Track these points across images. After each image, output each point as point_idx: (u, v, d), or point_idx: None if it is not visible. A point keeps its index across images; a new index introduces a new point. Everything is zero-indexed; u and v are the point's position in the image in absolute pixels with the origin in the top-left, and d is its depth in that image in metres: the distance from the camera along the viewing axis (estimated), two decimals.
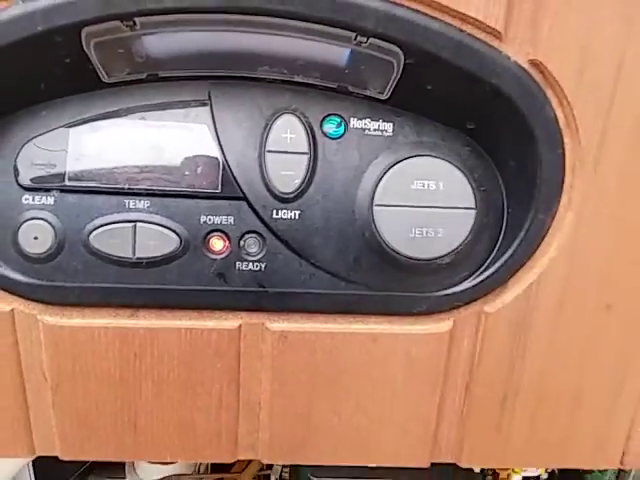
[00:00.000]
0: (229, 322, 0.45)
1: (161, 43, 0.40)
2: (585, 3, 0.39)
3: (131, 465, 0.90)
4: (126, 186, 0.42)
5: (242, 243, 0.44)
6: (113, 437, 0.48)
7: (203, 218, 0.43)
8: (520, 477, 0.83)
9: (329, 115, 0.43)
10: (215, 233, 0.43)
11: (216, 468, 0.94)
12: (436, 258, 0.43)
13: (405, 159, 0.42)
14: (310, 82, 0.43)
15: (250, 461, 0.91)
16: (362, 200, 0.43)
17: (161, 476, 0.87)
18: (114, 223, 0.42)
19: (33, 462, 0.78)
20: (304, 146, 0.43)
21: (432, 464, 0.52)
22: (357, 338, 0.46)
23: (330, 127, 0.43)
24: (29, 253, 0.42)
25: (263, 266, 0.44)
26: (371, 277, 0.45)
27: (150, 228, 0.42)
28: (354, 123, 0.44)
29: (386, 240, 0.43)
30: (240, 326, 0.45)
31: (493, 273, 0.45)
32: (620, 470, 0.85)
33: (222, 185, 0.43)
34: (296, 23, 0.38)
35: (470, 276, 0.46)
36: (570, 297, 0.46)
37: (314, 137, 0.43)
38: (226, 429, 0.48)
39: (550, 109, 0.41)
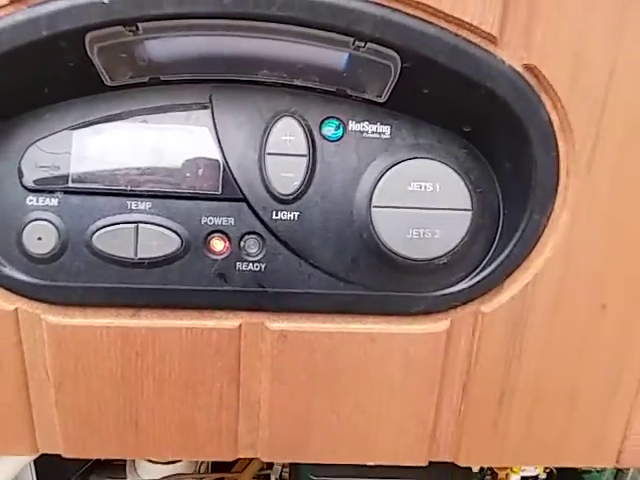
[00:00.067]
0: (229, 322, 0.45)
1: (163, 47, 0.40)
2: (578, 10, 0.39)
3: (132, 465, 0.90)
4: (128, 188, 0.42)
5: (242, 244, 0.44)
6: (115, 435, 0.48)
7: (204, 219, 0.43)
8: (518, 477, 0.83)
9: (328, 118, 0.44)
10: (216, 234, 0.44)
11: (216, 468, 0.94)
12: (433, 259, 0.44)
13: (402, 161, 0.43)
14: (309, 85, 0.43)
15: (250, 461, 0.91)
16: (360, 201, 0.43)
17: (162, 476, 0.86)
18: (116, 224, 0.42)
19: (35, 462, 0.78)
20: (303, 148, 0.43)
21: (430, 463, 0.52)
22: (355, 338, 0.47)
23: (329, 130, 0.44)
24: (33, 253, 0.42)
25: (263, 266, 0.44)
26: (369, 277, 0.46)
27: (152, 229, 0.43)
28: (352, 126, 0.44)
29: (384, 241, 0.43)
30: (240, 326, 0.45)
31: (489, 273, 0.46)
32: (618, 470, 0.86)
33: (223, 187, 0.43)
34: (296, 28, 0.38)
35: (467, 276, 0.46)
36: (565, 297, 0.46)
37: (313, 139, 0.43)
38: (226, 428, 0.49)
39: (544, 112, 0.41)
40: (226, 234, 0.44)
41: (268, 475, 0.92)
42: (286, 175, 0.43)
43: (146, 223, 0.43)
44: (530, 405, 0.50)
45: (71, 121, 0.42)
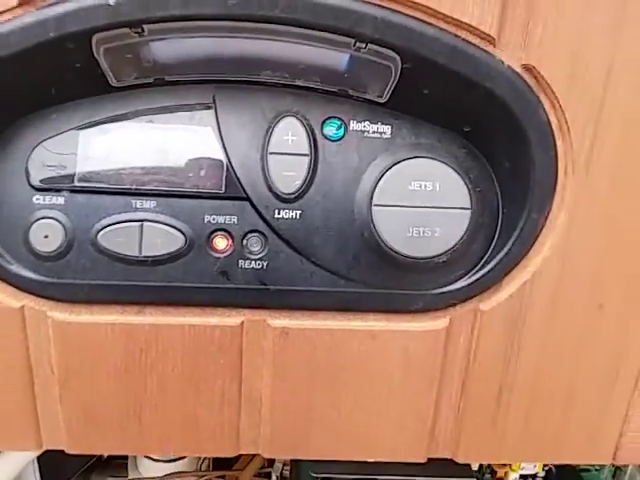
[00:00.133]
0: (232, 319, 0.46)
1: (168, 49, 0.40)
2: (576, 10, 0.39)
3: (133, 463, 0.90)
4: (133, 187, 0.43)
5: (245, 242, 0.44)
6: (118, 431, 0.48)
7: (207, 218, 0.43)
8: (517, 475, 0.84)
9: (329, 118, 0.44)
10: (219, 232, 0.44)
11: (218, 466, 0.94)
12: (433, 257, 0.44)
13: (403, 160, 0.43)
14: (311, 86, 0.43)
15: (251, 459, 0.92)
16: (361, 200, 0.44)
17: (163, 474, 0.86)
18: (122, 222, 0.43)
19: (38, 460, 0.78)
20: (305, 148, 0.43)
21: (429, 460, 0.52)
22: (356, 335, 0.47)
23: (330, 129, 0.44)
24: (39, 251, 0.43)
25: (265, 264, 0.45)
26: (370, 275, 0.46)
27: (156, 227, 0.43)
28: (353, 126, 0.44)
29: (384, 239, 0.43)
30: (242, 323, 0.46)
31: (488, 272, 0.46)
32: (616, 469, 0.86)
33: (226, 186, 0.43)
34: (298, 30, 0.39)
35: (466, 274, 0.47)
36: (563, 295, 0.46)
37: (315, 139, 0.44)
38: (228, 424, 0.49)
39: (543, 112, 0.42)
40: (229, 232, 0.44)
41: (269, 473, 0.92)
42: (288, 174, 0.43)
43: (151, 221, 0.43)
44: (528, 402, 0.50)
45: (77, 121, 0.42)
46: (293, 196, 0.44)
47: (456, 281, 0.47)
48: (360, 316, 0.47)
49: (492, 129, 0.44)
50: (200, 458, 0.91)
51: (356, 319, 0.47)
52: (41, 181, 0.42)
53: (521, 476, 0.84)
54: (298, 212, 0.44)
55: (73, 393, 0.47)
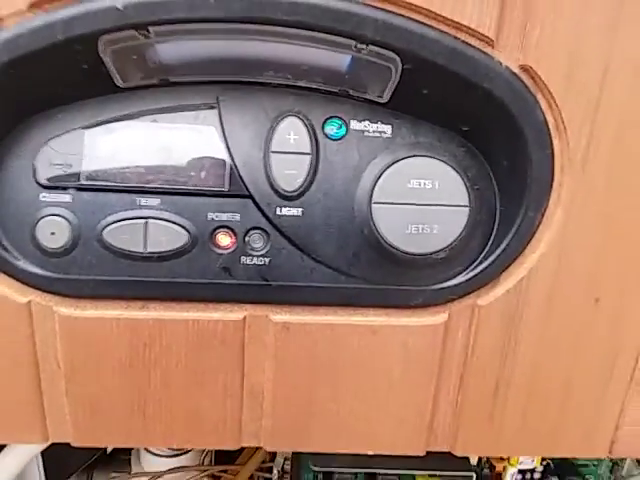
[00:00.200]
0: (234, 314, 0.46)
1: (173, 50, 0.41)
2: (572, 12, 0.40)
3: (137, 458, 0.90)
4: (138, 185, 0.43)
5: (247, 239, 0.45)
6: (123, 424, 0.49)
7: (211, 215, 0.44)
8: (516, 470, 0.83)
9: (330, 117, 0.44)
10: (222, 229, 0.44)
11: (220, 461, 0.94)
12: (431, 253, 0.44)
13: (402, 159, 0.43)
14: (313, 86, 0.43)
15: (253, 454, 0.92)
16: (361, 198, 0.44)
17: (166, 468, 0.87)
18: (127, 219, 0.43)
19: (42, 455, 0.78)
20: (307, 147, 0.44)
21: (428, 453, 0.53)
22: (356, 330, 0.47)
23: (331, 129, 0.44)
24: (46, 248, 0.43)
25: (267, 261, 0.45)
26: (370, 271, 0.46)
27: (161, 224, 0.43)
28: (354, 125, 0.45)
29: (384, 236, 0.43)
30: (245, 318, 0.46)
31: (486, 268, 0.46)
32: (614, 463, 0.87)
33: (229, 184, 0.44)
34: (300, 31, 0.39)
35: (464, 270, 0.47)
36: (559, 291, 0.47)
37: (316, 138, 0.44)
38: (231, 417, 0.49)
39: (540, 112, 0.42)
40: (232, 229, 0.44)
41: (270, 468, 0.92)
42: (290, 172, 0.44)
43: (155, 219, 0.43)
44: (525, 396, 0.50)
45: (83, 121, 0.43)
46: (295, 194, 0.44)
47: (454, 277, 0.47)
48: (360, 311, 0.48)
49: (490, 128, 0.44)
50: (202, 453, 0.91)
51: (356, 314, 0.47)
52: (48, 179, 0.43)
53: (519, 471, 0.84)
54: (300, 210, 0.45)
55: (79, 387, 0.47)
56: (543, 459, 0.84)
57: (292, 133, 0.44)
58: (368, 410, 0.50)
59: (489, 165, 0.46)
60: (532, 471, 0.85)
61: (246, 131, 0.44)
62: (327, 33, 0.39)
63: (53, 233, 0.43)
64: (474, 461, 0.82)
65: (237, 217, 0.44)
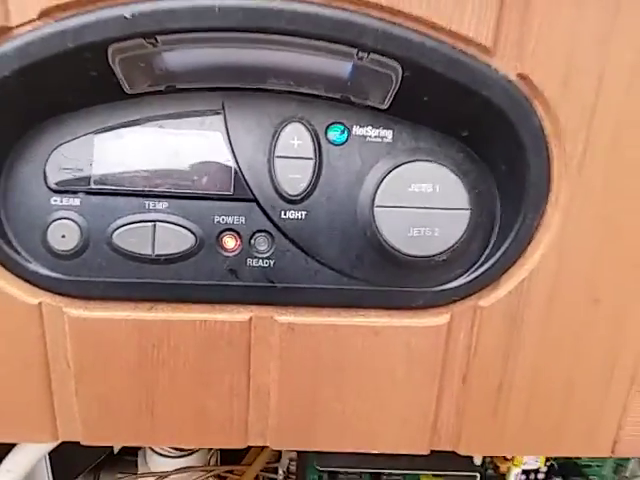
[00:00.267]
0: (240, 315, 0.47)
1: (180, 58, 0.41)
2: (567, 22, 0.40)
3: (143, 458, 0.91)
4: (146, 189, 0.44)
5: (252, 241, 0.45)
6: (131, 423, 0.49)
7: (217, 218, 0.44)
8: (520, 470, 0.83)
9: (333, 123, 0.45)
10: (228, 232, 0.45)
11: (226, 461, 0.94)
12: (433, 255, 0.44)
13: (404, 164, 0.43)
14: (315, 93, 0.44)
15: (259, 454, 0.92)
16: (363, 202, 0.45)
17: (173, 469, 0.87)
18: (135, 223, 0.44)
19: (49, 456, 0.79)
20: (310, 152, 0.44)
21: (432, 452, 0.53)
22: (359, 331, 0.47)
23: (334, 134, 0.45)
24: (57, 250, 0.44)
25: (272, 263, 0.46)
26: (372, 273, 0.47)
27: (168, 227, 0.44)
28: (356, 130, 0.45)
29: (386, 239, 0.44)
30: (250, 319, 0.47)
31: (487, 269, 0.46)
32: (618, 464, 0.87)
33: (234, 188, 0.44)
34: (304, 40, 0.39)
35: (465, 272, 0.47)
36: (560, 292, 0.47)
37: (319, 143, 0.45)
38: (237, 416, 0.50)
39: (536, 118, 0.42)
40: (237, 232, 0.45)
41: (276, 468, 0.92)
42: (294, 177, 0.44)
43: (163, 222, 0.44)
44: (527, 396, 0.50)
45: (93, 126, 0.43)
46: (299, 198, 0.45)
47: (456, 279, 0.47)
48: (363, 312, 0.48)
49: (489, 134, 0.44)
50: (208, 453, 0.91)
51: (359, 315, 0.48)
52: (58, 183, 0.43)
53: (523, 471, 0.84)
54: (303, 213, 0.45)
55: (88, 386, 0.47)
56: (547, 459, 0.84)
57: (296, 138, 0.44)
58: (372, 410, 0.50)
59: (489, 169, 0.46)
60: (536, 471, 0.85)
61: (251, 136, 0.44)
62: (329, 42, 0.40)
63: (63, 236, 0.43)
64: (478, 462, 0.82)
65: (242, 220, 0.45)
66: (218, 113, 0.44)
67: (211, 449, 0.92)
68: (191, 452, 0.88)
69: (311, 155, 0.44)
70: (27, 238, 0.44)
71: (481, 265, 0.47)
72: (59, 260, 0.44)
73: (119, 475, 0.94)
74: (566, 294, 0.47)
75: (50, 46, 0.38)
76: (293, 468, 0.90)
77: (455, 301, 0.48)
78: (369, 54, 0.40)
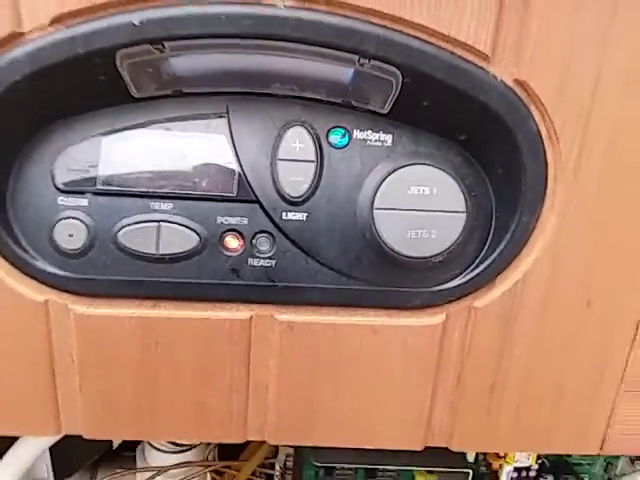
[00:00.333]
0: (241, 313, 0.47)
1: (186, 63, 0.42)
2: (564, 29, 0.41)
3: (142, 454, 0.90)
4: (151, 190, 0.44)
5: (254, 242, 0.46)
6: (133, 418, 0.50)
7: (220, 219, 0.45)
8: (512, 468, 0.83)
9: (334, 127, 0.45)
10: (230, 232, 0.46)
11: (223, 457, 0.94)
12: (430, 257, 0.45)
13: (403, 167, 0.44)
14: (317, 97, 0.44)
15: (256, 450, 0.92)
16: (363, 204, 0.45)
17: (171, 464, 0.87)
18: (140, 223, 0.44)
19: (50, 451, 0.79)
20: (312, 155, 0.45)
21: (426, 448, 0.54)
22: (358, 329, 0.48)
23: (335, 138, 0.46)
24: (64, 249, 0.44)
25: (273, 263, 0.46)
26: (371, 274, 0.47)
27: (172, 227, 0.44)
28: (357, 134, 0.46)
29: (385, 240, 0.44)
30: (251, 317, 0.47)
31: (482, 271, 0.47)
32: (608, 463, 0.87)
33: (237, 189, 0.45)
34: (306, 47, 0.40)
35: (461, 273, 0.48)
36: (553, 294, 0.48)
37: (321, 147, 0.45)
38: (236, 412, 0.50)
39: (533, 123, 0.43)
40: (240, 233, 0.46)
41: (273, 464, 0.92)
42: (296, 179, 0.45)
43: (167, 222, 0.44)
44: (519, 395, 0.51)
45: (100, 129, 0.44)
46: (300, 199, 0.45)
47: (452, 279, 0.48)
48: (362, 312, 0.49)
49: (486, 138, 0.45)
50: (207, 449, 0.91)
51: (358, 315, 0.48)
52: (66, 184, 0.44)
53: (515, 469, 0.84)
54: (304, 214, 0.46)
55: (92, 382, 0.48)
56: (538, 457, 0.85)
57: (298, 142, 0.45)
58: (368, 406, 0.51)
59: (485, 173, 0.47)
60: (528, 469, 0.85)
61: (254, 139, 0.45)
62: (331, 48, 0.40)
63: (70, 235, 0.44)
64: (471, 459, 0.83)
65: (245, 221, 0.46)
66: (222, 117, 0.45)
67: (209, 445, 0.92)
68: (189, 447, 0.88)
69: (313, 158, 0.45)
70: (35, 237, 0.45)
71: (476, 266, 0.48)
72: (66, 258, 0.45)
73: (118, 470, 0.94)
74: (559, 296, 0.48)
75: (60, 51, 0.39)
76: (290, 464, 0.90)
77: (451, 301, 0.48)
78: (370, 60, 0.41)
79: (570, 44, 0.42)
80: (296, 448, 0.85)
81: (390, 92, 0.43)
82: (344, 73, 0.43)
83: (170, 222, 0.45)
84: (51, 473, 0.82)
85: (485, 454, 0.85)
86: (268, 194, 0.45)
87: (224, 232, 0.46)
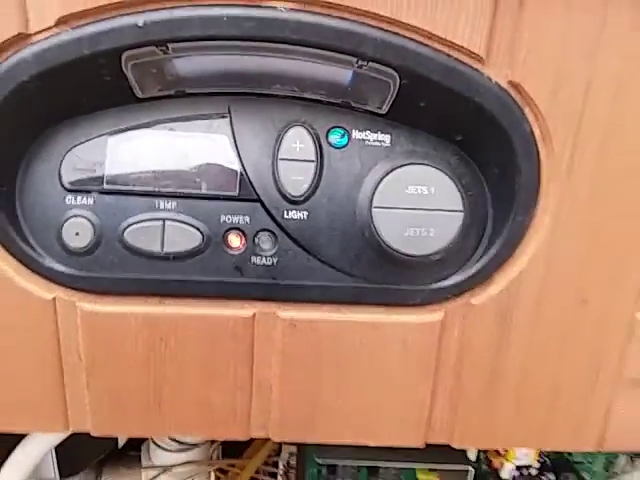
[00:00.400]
0: (244, 310, 0.48)
1: (189, 65, 0.42)
2: (557, 33, 0.41)
3: (147, 453, 0.91)
4: (156, 189, 0.45)
5: (257, 240, 0.46)
6: (140, 415, 0.50)
7: (223, 218, 0.46)
8: (513, 466, 0.84)
9: (334, 127, 0.46)
10: (233, 231, 0.46)
11: (227, 455, 0.94)
12: (428, 255, 0.45)
13: (401, 166, 0.44)
14: (317, 98, 0.45)
15: (260, 448, 0.93)
16: (362, 203, 0.46)
17: (176, 463, 0.88)
18: (145, 221, 0.45)
19: (55, 450, 0.80)
20: (312, 155, 0.45)
21: (427, 445, 0.54)
22: (358, 327, 0.48)
23: (335, 138, 0.46)
24: (71, 247, 0.45)
25: (275, 261, 0.47)
26: (371, 271, 0.48)
27: (177, 226, 0.45)
28: (356, 134, 0.46)
29: (384, 239, 0.45)
30: (254, 314, 0.48)
31: (479, 268, 0.48)
32: (608, 461, 0.88)
33: (240, 189, 0.45)
34: (306, 49, 0.41)
35: (458, 271, 0.48)
36: (548, 292, 0.48)
37: (321, 147, 0.46)
38: (240, 409, 0.50)
39: (527, 124, 0.44)
40: (242, 231, 0.46)
41: (276, 462, 0.92)
42: (296, 179, 0.45)
43: (172, 221, 0.45)
44: (517, 392, 0.51)
45: (106, 129, 0.44)
46: (301, 198, 0.46)
47: (450, 277, 0.48)
48: (362, 309, 0.49)
49: (482, 139, 0.46)
50: (211, 448, 0.92)
51: (358, 312, 0.49)
52: (72, 183, 0.44)
53: (517, 467, 0.84)
54: (305, 213, 0.46)
55: (99, 379, 0.48)
56: (540, 456, 0.85)
57: (298, 142, 0.45)
58: (370, 403, 0.51)
59: (481, 173, 0.48)
60: (529, 467, 0.86)
61: (256, 139, 0.45)
62: (331, 51, 0.41)
63: (77, 233, 0.45)
64: (472, 457, 0.83)
65: (247, 220, 0.46)
66: (225, 117, 0.45)
67: (213, 444, 0.92)
68: (193, 446, 0.89)
69: (313, 158, 0.46)
70: (42, 235, 0.45)
71: (473, 264, 0.48)
72: (73, 256, 0.45)
73: (123, 469, 0.94)
74: (554, 294, 0.48)
75: (67, 52, 0.40)
76: (293, 462, 0.90)
77: (449, 298, 0.49)
78: (368, 62, 0.42)
79: (562, 48, 0.42)
80: (299, 446, 0.86)
81: (388, 93, 0.44)
82: (343, 75, 0.43)
83: (174, 221, 0.45)
84: (57, 472, 0.82)
85: (486, 452, 0.85)
86: (269, 193, 0.46)
87: (227, 231, 0.46)
